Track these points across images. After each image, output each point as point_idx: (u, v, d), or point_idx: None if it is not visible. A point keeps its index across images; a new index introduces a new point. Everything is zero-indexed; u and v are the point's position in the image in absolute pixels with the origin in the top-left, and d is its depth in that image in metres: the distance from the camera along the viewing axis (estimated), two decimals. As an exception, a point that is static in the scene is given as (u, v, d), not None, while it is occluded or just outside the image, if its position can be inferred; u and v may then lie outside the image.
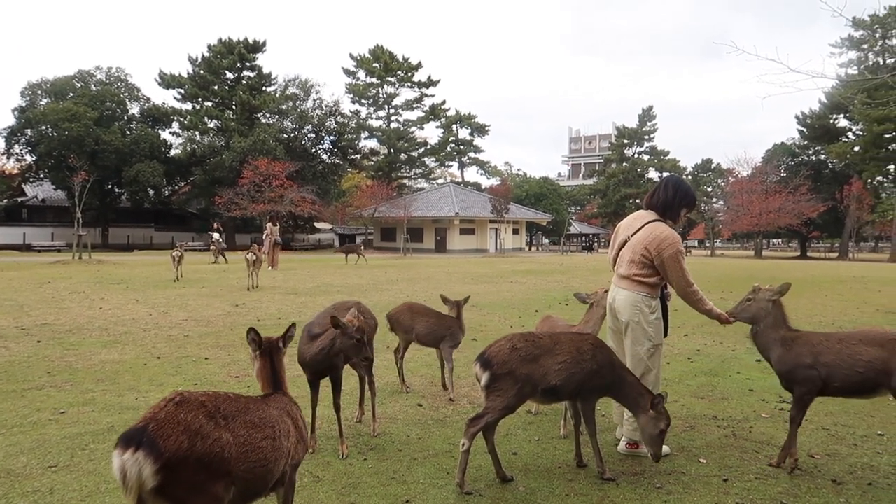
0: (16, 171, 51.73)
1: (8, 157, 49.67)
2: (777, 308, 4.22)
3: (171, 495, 2.15)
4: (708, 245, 69.65)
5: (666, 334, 4.60)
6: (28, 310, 11.29)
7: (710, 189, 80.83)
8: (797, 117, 59.85)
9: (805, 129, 59.90)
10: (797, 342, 4.13)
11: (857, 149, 53.98)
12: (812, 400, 4.15)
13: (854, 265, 38.27)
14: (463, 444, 3.73)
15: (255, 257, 16.68)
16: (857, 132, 56.55)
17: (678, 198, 4.54)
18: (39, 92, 48.35)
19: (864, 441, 4.78)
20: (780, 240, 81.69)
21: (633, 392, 3.99)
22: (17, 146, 48.34)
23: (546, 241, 79.25)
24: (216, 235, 30.69)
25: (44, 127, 45.28)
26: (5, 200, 48.61)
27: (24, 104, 47.68)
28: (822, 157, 59.96)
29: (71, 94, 47.94)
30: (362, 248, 31.74)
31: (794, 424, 4.13)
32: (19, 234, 46.84)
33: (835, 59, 53.27)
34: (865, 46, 53.15)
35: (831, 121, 58.25)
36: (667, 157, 75.63)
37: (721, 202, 67.84)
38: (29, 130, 46.57)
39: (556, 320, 5.62)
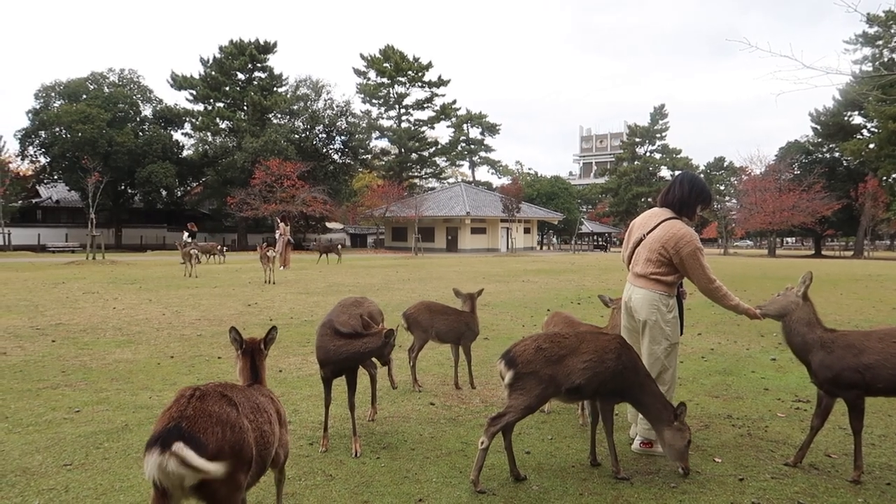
0: (30, 173, 52.24)
1: (22, 159, 50.18)
2: (807, 304, 4.09)
3: (206, 488, 2.21)
4: (721, 243, 69.18)
5: (681, 332, 4.56)
6: (43, 310, 11.38)
7: (722, 188, 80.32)
8: (811, 115, 59.35)
9: (819, 127, 59.35)
10: (837, 343, 3.97)
11: (872, 146, 53.40)
12: (864, 403, 3.97)
13: (869, 263, 37.89)
14: (482, 442, 3.71)
15: (274, 254, 18.42)
16: (872, 129, 55.94)
17: (694, 194, 4.49)
18: (53, 94, 48.80)
19: (882, 441, 4.72)
20: (794, 238, 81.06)
21: (655, 402, 3.95)
22: (31, 148, 48.83)
23: (555, 240, 79.03)
24: (185, 235, 30.37)
25: (57, 129, 45.72)
26: (20, 202, 49.09)
27: (37, 106, 48.14)
28: (837, 154, 59.38)
29: (84, 96, 48.35)
30: (339, 247, 31.97)
31: (858, 435, 3.95)
32: (34, 235, 47.29)
33: (849, 56, 52.67)
34: (880, 42, 52.52)
35: (846, 118, 57.67)
36: (679, 156, 75.32)
37: (734, 200, 67.38)
38: (43, 132, 47.04)
39: (566, 316, 5.60)
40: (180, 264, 26.27)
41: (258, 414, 2.57)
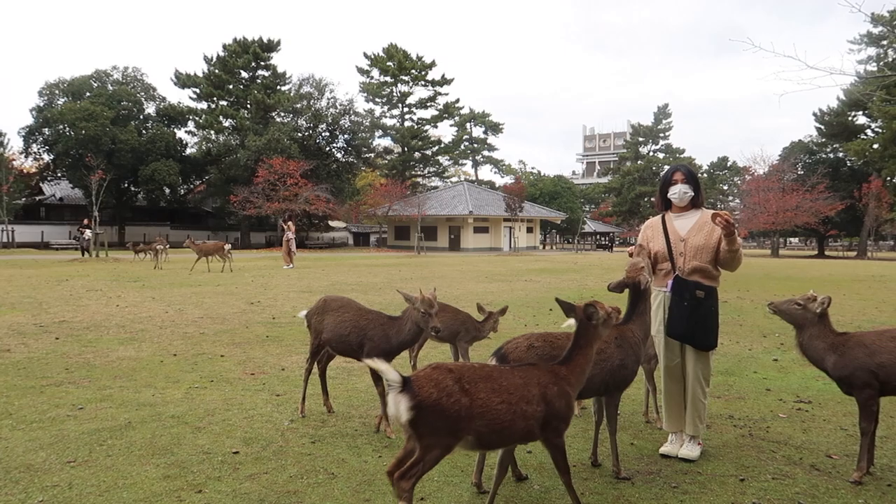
0: (34, 170, 52.35)
1: (26, 156, 50.26)
2: (823, 319, 4.09)
3: (417, 430, 2.89)
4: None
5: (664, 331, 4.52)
6: (46, 307, 11.42)
7: (725, 187, 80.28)
8: (815, 114, 59.22)
9: (823, 127, 59.23)
10: (849, 344, 3.99)
11: (875, 146, 53.23)
12: (876, 404, 3.96)
13: (872, 264, 37.81)
14: None
15: (230, 246, 21.94)
16: (876, 129, 55.79)
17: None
18: (57, 91, 48.89)
19: (883, 442, 4.71)
20: (797, 238, 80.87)
21: None
22: (35, 145, 48.93)
23: (557, 238, 78.94)
24: (88, 233, 30.91)
25: (61, 126, 45.79)
26: (24, 199, 49.18)
27: (41, 104, 48.23)
28: (841, 154, 59.25)
29: (88, 94, 48.44)
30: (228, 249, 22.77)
31: (865, 436, 3.95)
32: (37, 233, 47.40)
33: (853, 56, 52.55)
34: (885, 42, 52.36)
35: (850, 118, 57.50)
36: (682, 155, 75.21)
37: (737, 200, 67.29)
38: (47, 130, 47.12)
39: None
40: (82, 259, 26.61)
41: (493, 394, 3.02)
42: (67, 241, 46.31)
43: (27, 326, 9.26)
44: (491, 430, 3.02)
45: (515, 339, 3.96)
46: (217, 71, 54.55)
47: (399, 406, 2.85)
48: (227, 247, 21.00)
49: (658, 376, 4.84)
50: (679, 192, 4.51)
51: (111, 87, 50.34)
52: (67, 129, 45.54)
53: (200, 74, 55.05)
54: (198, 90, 55.01)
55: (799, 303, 4.10)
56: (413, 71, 66.51)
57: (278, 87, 56.50)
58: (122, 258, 29.87)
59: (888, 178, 53.26)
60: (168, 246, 24.64)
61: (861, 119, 57.71)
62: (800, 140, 62.94)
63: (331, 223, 61.27)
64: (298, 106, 54.74)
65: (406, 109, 69.11)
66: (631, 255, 4.41)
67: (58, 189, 54.18)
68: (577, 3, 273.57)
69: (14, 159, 48.32)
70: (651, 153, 76.25)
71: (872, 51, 53.30)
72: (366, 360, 3.10)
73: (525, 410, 3.08)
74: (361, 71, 68.01)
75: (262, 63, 56.11)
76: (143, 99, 52.46)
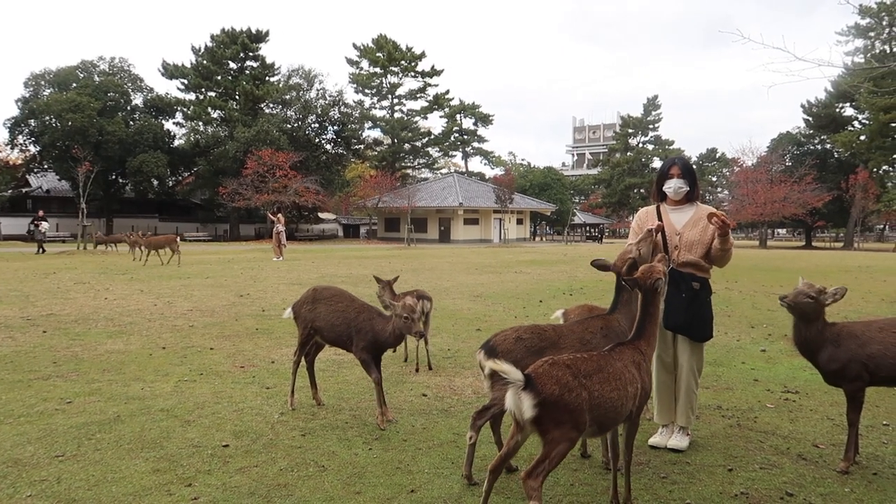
0: (20, 162, 51.81)
1: (12, 148, 49.71)
2: (824, 311, 4.07)
3: (542, 426, 2.92)
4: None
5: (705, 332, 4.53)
6: (34, 300, 11.33)
7: (714, 179, 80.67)
8: (803, 106, 59.55)
9: (811, 118, 59.58)
10: (842, 336, 3.99)
11: (863, 138, 53.65)
12: (864, 395, 4.00)
13: (859, 255, 38.15)
14: (470, 437, 3.70)
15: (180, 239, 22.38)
16: (864, 121, 56.21)
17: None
18: (43, 82, 48.33)
19: (869, 431, 4.77)
20: (784, 229, 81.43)
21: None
22: (21, 137, 48.33)
23: (547, 230, 79.13)
24: (44, 225, 29.93)
25: (47, 117, 45.28)
26: (10, 191, 48.68)
27: (27, 95, 47.67)
28: (828, 146, 59.66)
29: (74, 85, 47.91)
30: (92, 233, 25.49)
31: (852, 427, 3.99)
32: (24, 225, 46.91)
33: (841, 48, 52.80)
34: (872, 34, 52.69)
35: (837, 110, 57.89)
36: (671, 147, 75.42)
37: (726, 192, 67.63)
38: (33, 121, 46.57)
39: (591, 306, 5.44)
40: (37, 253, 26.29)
41: (606, 384, 3.10)
42: (54, 233, 45.88)
43: (14, 320, 9.19)
44: (607, 416, 3.13)
45: (504, 331, 3.96)
46: (205, 62, 54.10)
47: (522, 404, 2.87)
48: (178, 240, 21.53)
49: None
50: (674, 186, 4.55)
51: (98, 78, 49.82)
52: (54, 120, 45.03)
53: (188, 65, 54.59)
54: (186, 81, 54.54)
55: (811, 295, 3.96)
56: (403, 62, 66.21)
57: (267, 79, 56.13)
58: (109, 251, 29.68)
59: (875, 170, 53.74)
60: (145, 237, 24.27)
61: (848, 111, 58.14)
62: (788, 132, 63.34)
63: (320, 215, 61.07)
64: (287, 97, 54.40)
65: (396, 101, 68.86)
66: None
67: (44, 181, 53.66)
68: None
69: (0, 151, 47.83)
70: (640, 145, 76.40)
71: (860, 42, 53.61)
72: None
73: (628, 392, 3.22)
74: (351, 62, 67.70)
75: (251, 54, 55.71)
76: (130, 90, 51.95)
